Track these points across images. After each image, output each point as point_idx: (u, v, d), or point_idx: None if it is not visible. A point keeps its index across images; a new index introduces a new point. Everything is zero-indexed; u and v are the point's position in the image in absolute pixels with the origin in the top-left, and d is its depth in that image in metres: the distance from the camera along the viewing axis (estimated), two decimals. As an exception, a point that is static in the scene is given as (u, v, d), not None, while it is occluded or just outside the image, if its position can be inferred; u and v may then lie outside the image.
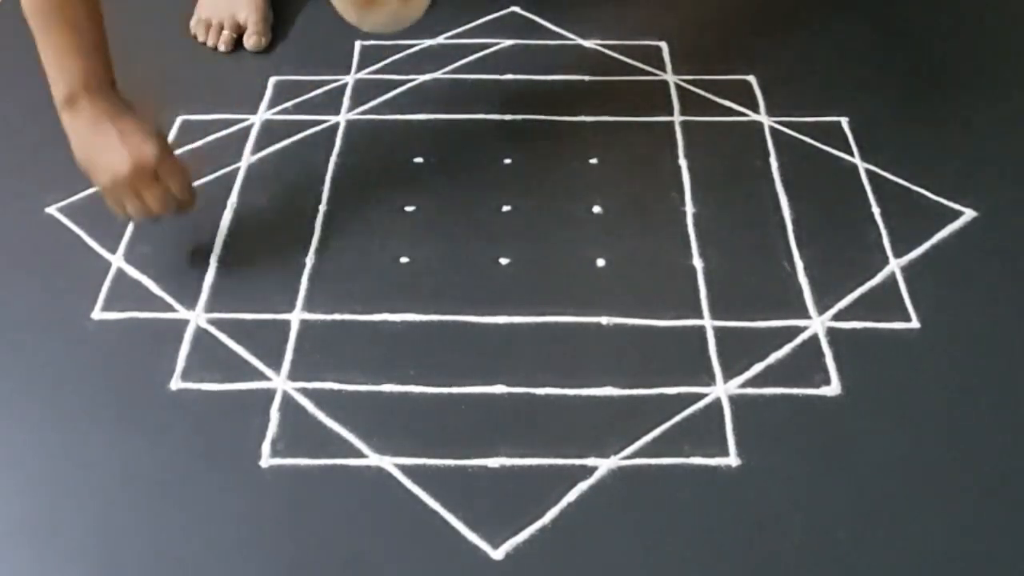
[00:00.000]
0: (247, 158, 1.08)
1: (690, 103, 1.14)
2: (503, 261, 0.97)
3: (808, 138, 1.09)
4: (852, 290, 0.93)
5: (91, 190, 1.03)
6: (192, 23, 1.24)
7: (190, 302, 0.92)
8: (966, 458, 0.80)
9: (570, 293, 0.93)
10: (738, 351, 0.88)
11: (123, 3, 1.20)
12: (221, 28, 1.22)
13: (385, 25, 1.00)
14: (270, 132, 1.11)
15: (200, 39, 1.23)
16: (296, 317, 0.91)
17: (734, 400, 0.84)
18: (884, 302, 0.92)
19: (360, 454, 0.81)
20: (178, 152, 1.08)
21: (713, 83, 1.16)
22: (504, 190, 1.04)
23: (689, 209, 1.01)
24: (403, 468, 0.80)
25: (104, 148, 0.88)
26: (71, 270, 0.96)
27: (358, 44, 1.23)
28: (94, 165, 0.90)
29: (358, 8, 0.96)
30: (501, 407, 0.84)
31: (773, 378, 0.86)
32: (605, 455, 0.80)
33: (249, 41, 1.21)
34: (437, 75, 1.18)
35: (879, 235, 0.98)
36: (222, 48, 1.21)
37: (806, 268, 0.95)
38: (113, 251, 0.97)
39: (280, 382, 0.86)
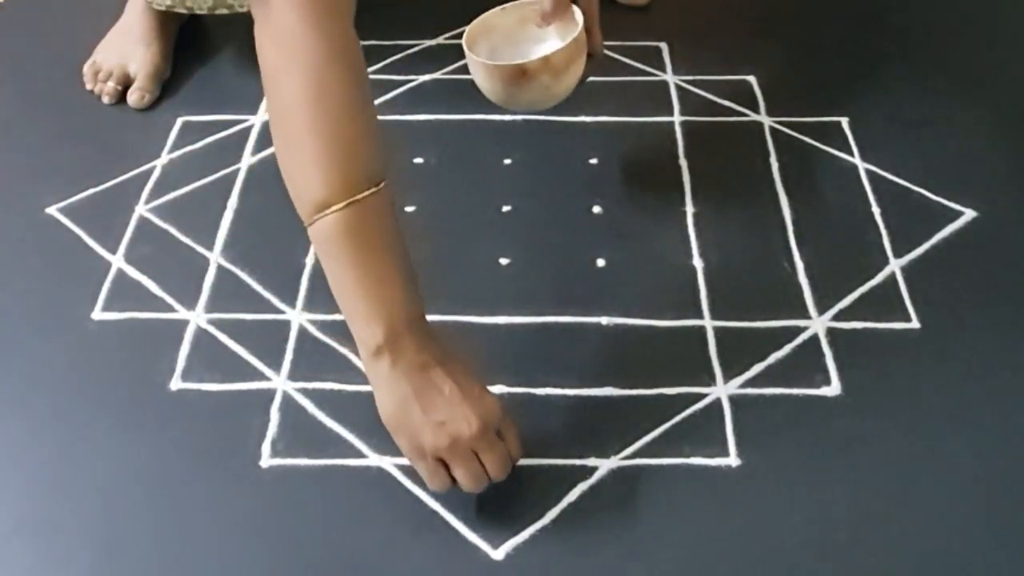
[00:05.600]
0: (247, 158, 1.08)
1: (690, 103, 1.14)
2: (503, 261, 0.97)
3: (808, 138, 1.09)
4: (852, 290, 0.93)
5: (91, 190, 1.04)
6: (86, 66, 1.17)
7: (190, 302, 0.92)
8: (966, 458, 0.80)
9: (570, 293, 0.93)
10: (738, 351, 0.88)
11: (124, 3, 1.20)
12: (108, 78, 1.14)
13: (534, 103, 0.91)
14: (270, 133, 1.10)
15: (88, 86, 1.16)
16: (296, 317, 0.91)
17: (734, 400, 0.84)
18: (884, 302, 0.92)
19: (360, 454, 0.81)
20: (180, 153, 1.08)
21: (713, 83, 1.16)
22: (504, 190, 1.04)
23: (689, 209, 1.01)
24: (403, 468, 0.80)
25: (439, 404, 0.71)
26: (71, 270, 0.96)
27: (358, 44, 1.23)
28: (422, 424, 0.71)
29: (507, 85, 0.88)
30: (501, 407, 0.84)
31: (773, 378, 0.86)
32: (605, 455, 0.80)
33: (131, 97, 1.13)
34: (437, 75, 1.18)
35: (879, 235, 0.98)
36: (105, 100, 1.14)
37: (806, 268, 0.95)
38: (113, 251, 0.97)
39: (280, 382, 0.86)
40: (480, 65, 0.89)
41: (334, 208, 0.70)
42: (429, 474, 0.73)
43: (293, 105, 0.72)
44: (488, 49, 0.94)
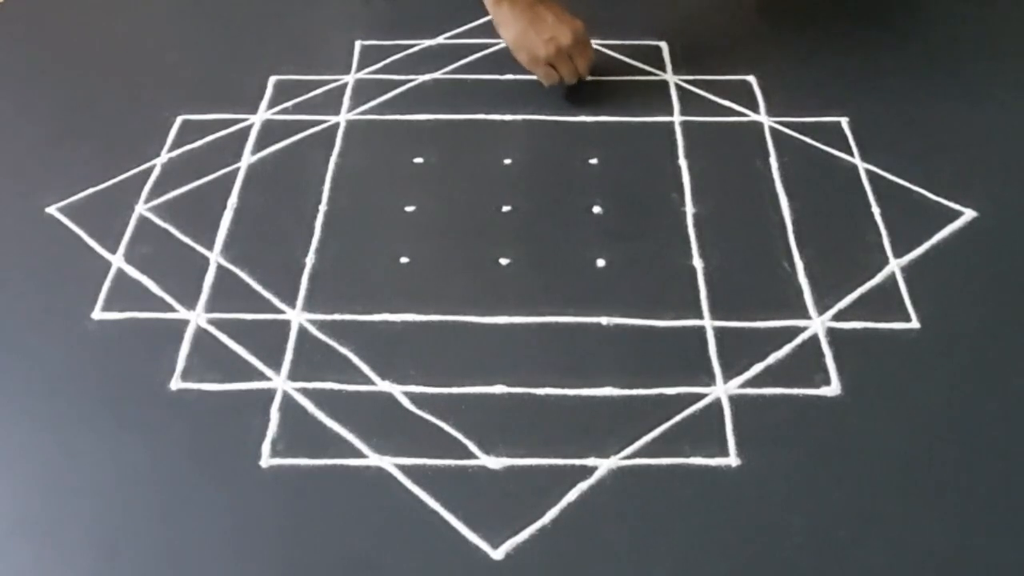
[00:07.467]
0: (247, 158, 1.08)
1: (690, 103, 1.14)
2: (503, 261, 0.97)
3: (808, 138, 1.09)
4: (852, 290, 0.93)
5: (91, 190, 1.04)
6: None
7: (190, 302, 0.92)
8: (966, 458, 0.80)
9: (570, 293, 0.93)
10: (738, 351, 0.88)
11: (124, 3, 1.20)
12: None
13: None
14: (270, 132, 1.11)
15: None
16: (296, 317, 0.91)
17: (734, 400, 0.84)
18: (884, 302, 0.92)
19: (360, 454, 0.81)
20: (180, 152, 1.09)
21: (713, 83, 1.16)
22: (504, 190, 1.04)
23: (689, 209, 1.01)
24: (403, 468, 0.80)
25: (544, 27, 1.07)
26: (71, 270, 0.96)
27: (358, 44, 1.23)
28: (535, 42, 1.07)
29: None
30: (501, 407, 0.84)
31: (773, 378, 0.86)
32: (605, 455, 0.80)
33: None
34: (437, 75, 1.18)
35: (879, 235, 0.98)
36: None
37: (806, 268, 0.95)
38: (113, 251, 0.97)
39: (280, 382, 0.86)
40: None
41: None
42: (544, 75, 1.10)
43: None
44: None
